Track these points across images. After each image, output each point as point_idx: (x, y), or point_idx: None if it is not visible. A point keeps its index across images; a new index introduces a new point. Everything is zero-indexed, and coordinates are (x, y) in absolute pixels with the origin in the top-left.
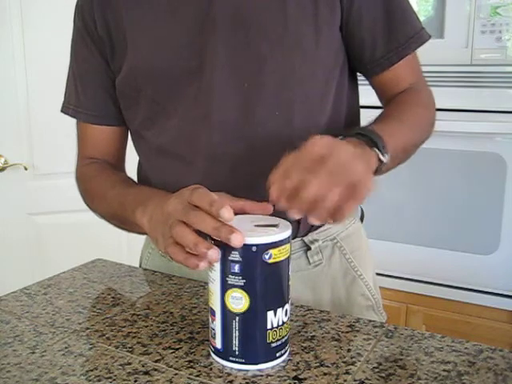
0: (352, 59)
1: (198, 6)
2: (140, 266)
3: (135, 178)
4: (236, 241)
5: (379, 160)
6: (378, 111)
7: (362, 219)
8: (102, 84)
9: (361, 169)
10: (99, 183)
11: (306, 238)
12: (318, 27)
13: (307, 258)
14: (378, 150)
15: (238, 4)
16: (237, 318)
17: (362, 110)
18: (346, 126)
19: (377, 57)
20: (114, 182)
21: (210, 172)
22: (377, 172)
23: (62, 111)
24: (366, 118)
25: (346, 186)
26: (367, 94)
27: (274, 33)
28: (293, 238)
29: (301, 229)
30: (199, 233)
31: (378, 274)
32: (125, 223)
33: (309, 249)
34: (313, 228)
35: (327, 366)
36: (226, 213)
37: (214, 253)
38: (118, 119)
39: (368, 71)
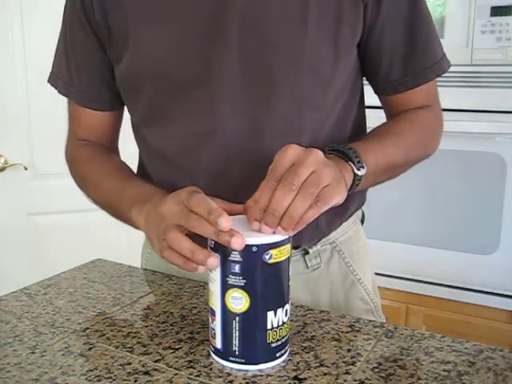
0: (365, 74)
1: (206, 5)
2: (140, 266)
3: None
4: (236, 244)
5: (354, 173)
6: (379, 111)
7: (362, 221)
8: (98, 68)
9: (330, 175)
10: (94, 168)
11: None
12: (338, 49)
13: (305, 261)
14: (352, 163)
15: (250, 9)
16: (237, 318)
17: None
18: (351, 139)
19: (391, 79)
20: (109, 170)
21: (212, 189)
22: (352, 187)
23: (48, 82)
24: (367, 118)
25: (316, 194)
26: (368, 94)
27: (288, 51)
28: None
29: (303, 239)
30: (196, 234)
31: (378, 274)
32: (120, 216)
33: (307, 252)
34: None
35: (327, 366)
36: (224, 222)
37: (214, 261)
38: (112, 104)
39: (379, 90)
